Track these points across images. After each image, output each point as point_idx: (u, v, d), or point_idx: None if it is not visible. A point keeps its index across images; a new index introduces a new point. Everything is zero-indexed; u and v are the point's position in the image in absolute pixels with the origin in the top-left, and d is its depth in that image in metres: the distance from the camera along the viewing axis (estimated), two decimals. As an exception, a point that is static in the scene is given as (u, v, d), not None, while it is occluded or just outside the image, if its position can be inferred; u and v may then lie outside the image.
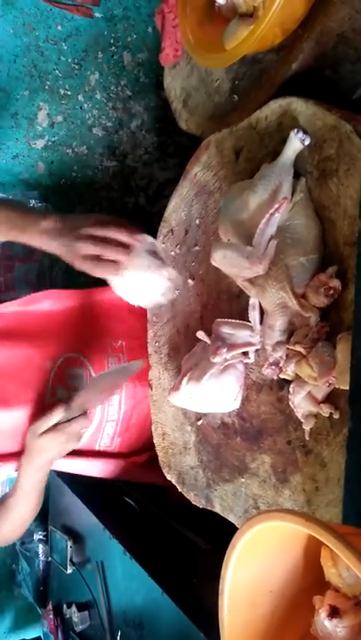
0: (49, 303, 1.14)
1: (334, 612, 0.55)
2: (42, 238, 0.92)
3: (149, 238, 0.94)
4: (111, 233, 0.89)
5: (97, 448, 1.20)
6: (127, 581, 1.16)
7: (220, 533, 0.90)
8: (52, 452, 1.00)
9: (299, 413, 0.77)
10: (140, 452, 1.27)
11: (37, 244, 0.93)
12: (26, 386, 1.05)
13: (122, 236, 0.90)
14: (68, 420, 0.98)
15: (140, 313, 1.10)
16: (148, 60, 1.61)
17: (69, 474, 1.54)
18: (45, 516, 1.58)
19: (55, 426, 0.98)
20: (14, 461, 1.06)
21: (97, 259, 0.89)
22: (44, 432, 0.97)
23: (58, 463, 1.11)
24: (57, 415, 0.97)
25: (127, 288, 0.93)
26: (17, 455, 1.05)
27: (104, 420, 1.15)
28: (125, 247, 0.90)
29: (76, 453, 1.13)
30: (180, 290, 1.04)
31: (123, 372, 1.09)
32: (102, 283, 0.97)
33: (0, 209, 0.97)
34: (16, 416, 1.03)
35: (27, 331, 1.10)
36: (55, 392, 1.08)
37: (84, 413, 1.01)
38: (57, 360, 1.10)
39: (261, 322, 0.83)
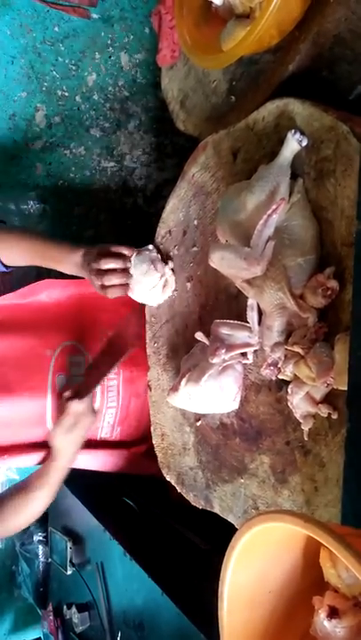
0: (46, 294, 1.18)
1: (333, 613, 0.55)
2: (73, 270, 1.09)
3: (144, 250, 1.05)
4: (111, 264, 1.04)
5: (98, 438, 1.21)
6: (127, 582, 1.16)
7: (219, 534, 0.90)
8: (77, 441, 1.06)
9: (297, 414, 0.77)
10: (140, 442, 1.28)
11: (70, 273, 1.10)
12: (27, 373, 1.08)
13: (119, 264, 1.04)
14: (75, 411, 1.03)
15: (133, 305, 1.16)
16: (146, 60, 1.61)
17: (69, 475, 1.54)
18: (45, 517, 1.58)
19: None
20: (16, 455, 1.08)
21: (108, 287, 1.05)
22: (70, 428, 1.03)
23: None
24: (69, 413, 1.02)
25: (141, 297, 1.06)
26: (18, 447, 1.07)
27: (104, 407, 1.17)
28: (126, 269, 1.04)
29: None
30: (177, 288, 1.04)
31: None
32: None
33: (30, 239, 1.12)
34: (18, 403, 1.04)
35: (26, 321, 1.14)
36: (56, 379, 1.11)
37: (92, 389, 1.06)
38: (56, 348, 1.13)
39: (260, 323, 0.83)
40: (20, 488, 1.09)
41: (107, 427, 1.20)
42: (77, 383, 1.08)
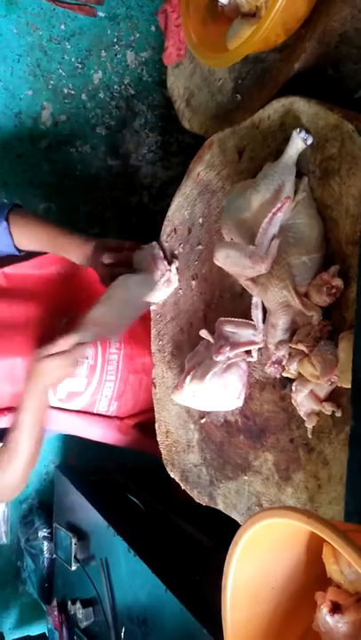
0: (56, 268, 1.20)
1: (336, 608, 0.56)
2: (82, 261, 1.10)
3: (147, 247, 1.08)
4: (113, 258, 1.06)
5: (95, 411, 1.22)
6: (131, 578, 1.17)
7: (223, 530, 0.90)
8: (51, 376, 0.99)
9: (301, 411, 0.78)
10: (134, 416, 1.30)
11: (79, 263, 1.12)
12: (32, 340, 1.08)
13: (122, 259, 1.07)
14: (77, 345, 0.99)
15: None
16: (152, 58, 1.62)
17: (73, 472, 1.55)
18: (50, 513, 1.59)
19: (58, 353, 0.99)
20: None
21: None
22: (47, 356, 0.97)
23: (59, 421, 1.14)
24: (63, 343, 0.97)
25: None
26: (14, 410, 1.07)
27: (103, 380, 1.18)
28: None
29: (77, 413, 1.18)
30: (182, 287, 1.05)
31: (143, 286, 1.07)
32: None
33: (45, 225, 1.13)
34: (18, 364, 1.05)
35: (36, 291, 1.16)
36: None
37: (94, 339, 1.02)
38: (62, 319, 1.14)
39: (264, 321, 0.83)
40: (4, 439, 1.05)
41: (104, 400, 1.21)
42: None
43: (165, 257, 1.07)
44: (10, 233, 1.11)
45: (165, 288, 1.07)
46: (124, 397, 1.24)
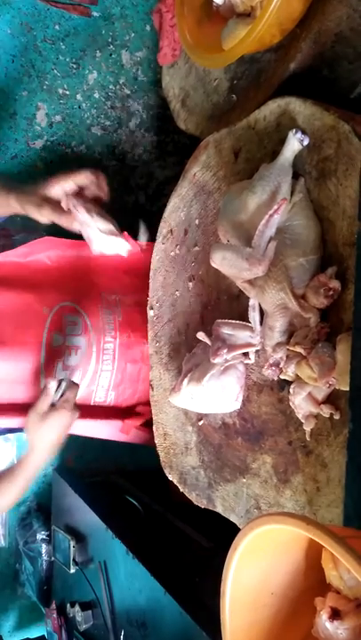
0: (46, 255, 1.18)
1: (335, 614, 0.56)
2: (35, 212, 1.07)
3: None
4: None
5: (92, 402, 1.21)
6: (130, 581, 1.16)
7: (222, 532, 0.90)
8: (57, 431, 1.02)
9: (299, 414, 0.77)
10: (134, 409, 1.29)
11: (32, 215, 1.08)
12: (23, 329, 1.08)
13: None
14: (62, 396, 1.01)
15: (134, 273, 1.17)
16: (147, 58, 1.61)
17: (71, 475, 1.55)
18: (48, 515, 1.59)
19: (52, 405, 1.01)
20: (8, 416, 1.08)
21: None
22: (44, 415, 1.00)
23: None
24: (49, 395, 1.00)
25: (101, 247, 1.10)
26: (12, 407, 1.08)
27: (99, 370, 1.17)
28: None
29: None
30: (179, 288, 1.04)
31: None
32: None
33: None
34: (12, 357, 1.05)
35: (25, 279, 1.14)
36: (51, 337, 1.11)
37: (73, 383, 1.04)
38: (53, 307, 1.13)
39: (261, 323, 0.83)
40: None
41: (101, 390, 1.20)
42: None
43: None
44: None
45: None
46: (121, 386, 1.23)
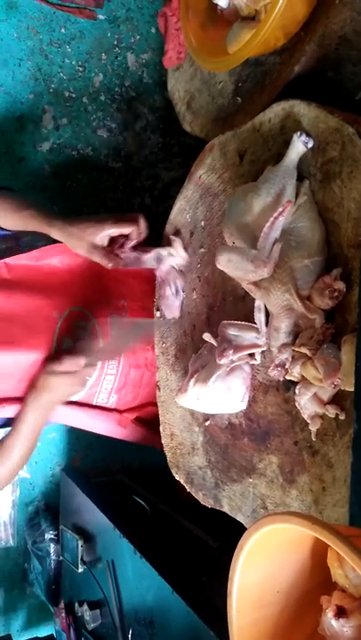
0: (58, 259, 1.19)
1: (341, 613, 0.56)
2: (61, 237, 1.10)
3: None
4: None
5: (94, 403, 1.23)
6: (138, 580, 1.17)
7: (229, 531, 0.91)
8: (57, 393, 1.04)
9: (305, 414, 0.78)
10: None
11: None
12: (33, 332, 1.08)
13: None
14: (85, 367, 1.03)
15: (142, 279, 1.18)
16: (152, 60, 1.62)
17: (79, 474, 1.56)
18: (56, 515, 1.60)
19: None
20: (13, 404, 1.08)
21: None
22: (56, 373, 1.01)
23: (59, 412, 1.14)
24: (73, 364, 1.01)
25: None
26: (16, 400, 1.08)
27: (104, 374, 1.18)
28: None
29: (77, 405, 1.19)
30: (185, 289, 1.05)
31: (143, 328, 1.15)
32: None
33: (28, 207, 1.13)
34: (20, 359, 1.05)
35: (36, 283, 1.15)
36: (61, 342, 1.12)
37: (97, 364, 1.06)
38: (64, 312, 1.13)
39: (267, 324, 0.84)
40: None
41: (104, 392, 1.21)
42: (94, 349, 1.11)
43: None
44: None
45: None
46: (124, 390, 1.24)
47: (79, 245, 1.07)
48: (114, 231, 1.06)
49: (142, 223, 1.07)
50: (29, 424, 1.04)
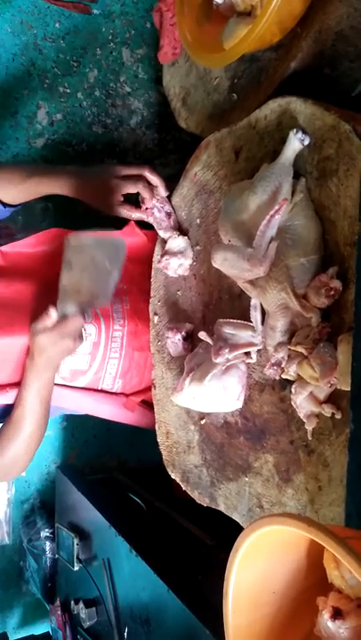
0: (53, 246, 1.16)
1: (337, 614, 0.56)
2: (67, 179, 1.08)
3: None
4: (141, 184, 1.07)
5: (99, 388, 1.22)
6: (133, 578, 1.17)
7: (225, 529, 0.91)
8: (50, 352, 0.99)
9: (301, 413, 0.78)
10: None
11: (61, 186, 1.09)
12: (32, 317, 1.04)
13: (153, 175, 1.07)
14: (63, 318, 0.97)
15: (140, 262, 1.17)
16: (147, 55, 1.60)
17: (74, 472, 1.56)
18: (52, 513, 1.60)
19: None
20: (15, 389, 1.05)
21: (120, 193, 1.07)
22: (39, 332, 0.98)
23: (65, 398, 1.13)
24: (50, 315, 0.97)
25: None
26: (18, 385, 1.05)
27: (107, 357, 1.17)
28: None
29: (83, 390, 1.17)
30: (180, 287, 1.05)
31: (104, 250, 1.01)
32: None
33: (20, 165, 1.13)
34: (21, 343, 1.03)
35: (33, 270, 1.13)
36: None
37: (79, 310, 0.99)
38: None
39: (263, 322, 0.83)
40: (7, 418, 1.05)
41: (108, 377, 1.20)
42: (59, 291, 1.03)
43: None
44: None
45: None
46: (128, 374, 1.23)
47: (103, 203, 1.07)
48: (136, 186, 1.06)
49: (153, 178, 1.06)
50: (33, 389, 1.01)
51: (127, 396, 1.25)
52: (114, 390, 1.24)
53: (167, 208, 1.05)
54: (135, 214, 1.07)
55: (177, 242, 1.04)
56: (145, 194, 1.06)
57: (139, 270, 1.22)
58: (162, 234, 1.06)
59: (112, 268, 1.00)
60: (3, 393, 1.04)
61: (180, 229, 1.05)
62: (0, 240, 1.14)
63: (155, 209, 1.06)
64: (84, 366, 1.14)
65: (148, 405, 1.27)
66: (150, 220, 1.07)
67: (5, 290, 1.06)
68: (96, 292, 1.01)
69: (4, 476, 1.14)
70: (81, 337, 1.01)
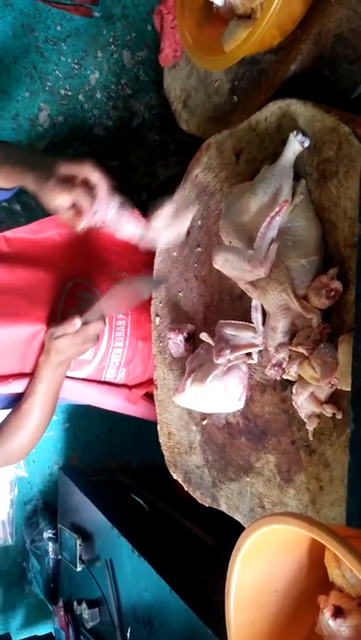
0: (57, 232, 1.16)
1: (338, 612, 0.56)
2: (32, 185, 0.94)
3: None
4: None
5: (102, 379, 1.22)
6: (136, 579, 1.17)
7: (227, 529, 0.91)
8: (66, 353, 1.01)
9: (302, 414, 0.78)
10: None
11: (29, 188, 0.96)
12: (38, 304, 1.06)
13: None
14: (85, 324, 0.98)
15: (143, 252, 1.12)
16: (148, 57, 1.61)
17: (76, 473, 1.56)
18: (54, 514, 1.60)
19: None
20: (18, 380, 1.06)
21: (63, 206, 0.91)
22: (60, 336, 0.98)
23: (68, 388, 1.13)
24: (73, 325, 0.97)
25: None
26: (22, 376, 1.06)
27: (111, 347, 1.17)
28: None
29: (86, 381, 1.18)
30: (182, 288, 1.05)
31: (146, 285, 1.07)
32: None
33: (11, 151, 1.03)
34: (26, 331, 1.03)
35: (37, 257, 1.13)
36: (66, 314, 1.08)
37: (102, 318, 1.01)
38: (67, 284, 1.12)
39: (264, 323, 0.84)
40: (16, 405, 1.06)
41: (112, 367, 1.20)
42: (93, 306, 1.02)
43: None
44: None
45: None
46: (132, 364, 1.23)
47: (51, 209, 0.93)
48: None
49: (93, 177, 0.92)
50: (45, 384, 1.03)
51: (130, 388, 1.26)
52: (117, 380, 1.23)
53: (113, 204, 0.92)
54: (80, 224, 0.92)
55: (128, 228, 0.96)
56: (83, 203, 0.90)
57: (142, 260, 1.22)
58: (127, 232, 0.96)
59: (144, 295, 1.07)
60: (5, 383, 1.04)
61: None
62: (2, 225, 1.14)
63: (99, 212, 0.92)
64: (88, 356, 1.14)
65: (150, 398, 1.27)
66: (102, 226, 0.94)
67: (9, 277, 1.05)
68: (120, 310, 1.12)
69: (6, 461, 1.16)
70: (97, 339, 1.03)
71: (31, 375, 1.06)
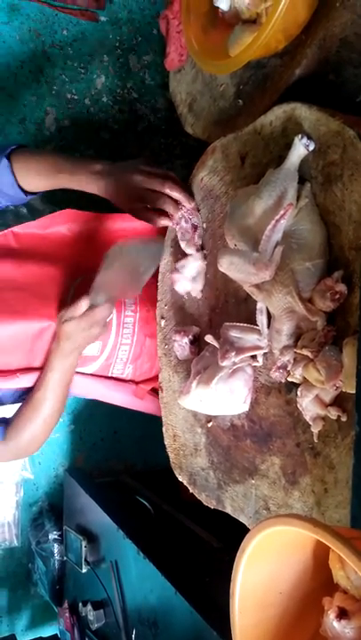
0: (66, 227, 1.16)
1: (343, 614, 0.56)
2: (90, 179, 1.00)
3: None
4: (166, 184, 0.98)
5: (110, 374, 1.23)
6: (141, 581, 1.18)
7: (232, 531, 0.91)
8: (77, 338, 1.01)
9: (307, 416, 0.78)
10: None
11: (86, 185, 1.01)
12: (46, 301, 1.07)
13: (175, 192, 0.98)
14: (92, 308, 0.99)
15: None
16: (154, 61, 1.62)
17: (82, 475, 1.57)
18: (60, 516, 1.61)
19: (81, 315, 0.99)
20: (26, 374, 1.06)
21: (144, 202, 0.98)
22: (68, 319, 0.99)
23: (75, 383, 1.13)
24: (81, 306, 0.98)
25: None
26: (30, 370, 1.07)
27: (118, 343, 1.18)
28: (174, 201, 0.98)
29: (93, 376, 1.18)
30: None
31: (143, 252, 1.04)
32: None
33: (47, 156, 1.07)
34: (34, 327, 1.04)
35: (46, 252, 1.13)
36: None
37: (109, 301, 1.01)
38: (76, 279, 1.12)
39: (269, 326, 0.84)
40: (27, 397, 1.06)
41: (119, 363, 1.20)
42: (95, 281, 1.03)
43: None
44: (12, 171, 1.05)
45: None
46: (140, 360, 1.23)
47: (126, 208, 1.01)
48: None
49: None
50: (56, 373, 1.03)
51: (137, 383, 1.26)
52: (124, 376, 1.24)
53: (195, 220, 1.00)
54: (161, 222, 0.99)
55: (191, 266, 1.01)
56: (169, 209, 0.98)
57: None
58: (183, 245, 1.02)
59: (148, 267, 1.04)
60: (13, 378, 1.05)
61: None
62: (8, 228, 1.14)
63: (182, 219, 1.00)
64: (95, 352, 1.14)
65: (157, 393, 1.27)
66: (177, 228, 1.01)
67: (18, 273, 1.06)
68: (127, 288, 1.05)
69: (19, 454, 1.16)
70: (105, 324, 1.02)
71: (40, 369, 1.06)
